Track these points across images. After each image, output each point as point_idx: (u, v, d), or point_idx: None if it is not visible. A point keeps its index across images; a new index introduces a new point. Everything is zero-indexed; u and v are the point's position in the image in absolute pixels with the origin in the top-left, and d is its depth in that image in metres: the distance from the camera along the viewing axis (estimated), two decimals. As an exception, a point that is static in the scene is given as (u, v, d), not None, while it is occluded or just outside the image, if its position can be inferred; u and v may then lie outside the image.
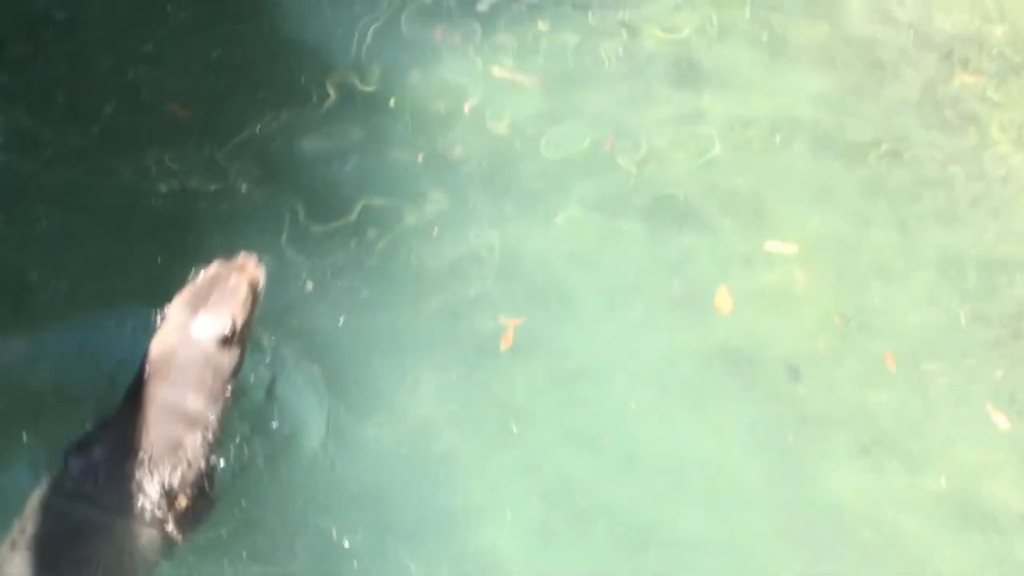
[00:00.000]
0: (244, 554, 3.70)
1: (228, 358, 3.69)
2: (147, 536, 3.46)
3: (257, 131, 4.95)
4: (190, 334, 3.65)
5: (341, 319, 4.35)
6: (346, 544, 3.79)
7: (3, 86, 5.08)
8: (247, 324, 3.78)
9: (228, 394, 3.70)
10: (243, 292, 3.75)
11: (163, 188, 4.70)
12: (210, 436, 3.62)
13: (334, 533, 3.81)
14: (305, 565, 3.75)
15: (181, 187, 4.69)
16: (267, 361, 4.07)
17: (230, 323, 3.68)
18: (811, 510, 4.08)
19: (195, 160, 4.82)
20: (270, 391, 4.00)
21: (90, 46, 5.23)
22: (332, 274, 4.53)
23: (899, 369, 4.54)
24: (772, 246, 4.90)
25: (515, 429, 4.13)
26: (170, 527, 3.50)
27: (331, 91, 5.22)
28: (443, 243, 4.72)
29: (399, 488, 3.98)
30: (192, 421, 3.58)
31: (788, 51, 5.77)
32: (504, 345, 4.38)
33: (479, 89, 5.37)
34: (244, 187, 4.75)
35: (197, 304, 3.70)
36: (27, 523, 3.39)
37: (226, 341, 3.67)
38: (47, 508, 3.42)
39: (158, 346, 3.67)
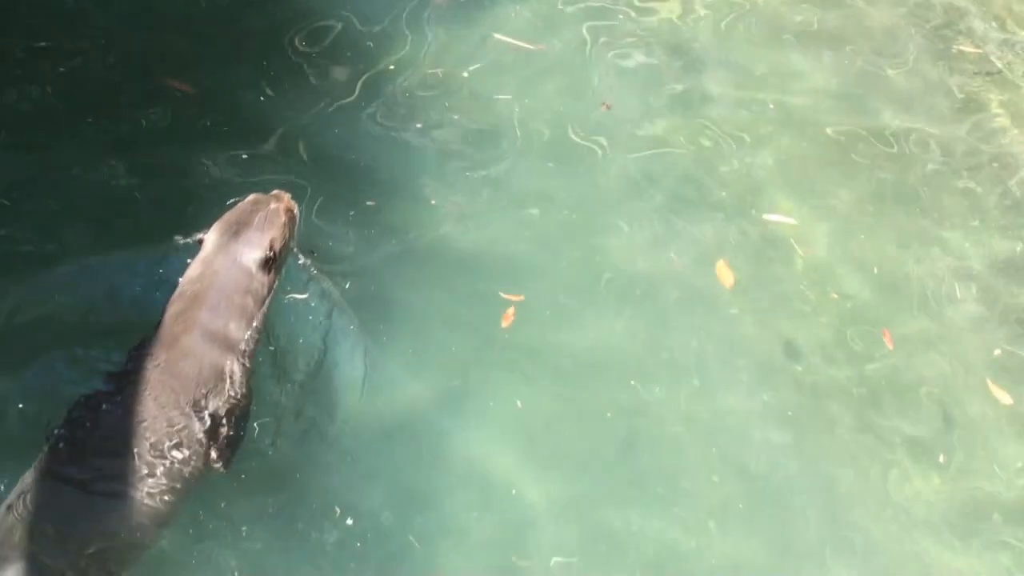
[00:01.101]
0: (257, 529, 3.57)
1: (267, 282, 3.63)
2: (171, 476, 3.31)
3: (257, 103, 4.78)
4: (232, 255, 3.58)
5: (359, 289, 4.21)
6: (353, 517, 3.67)
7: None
8: (284, 249, 3.73)
9: (259, 323, 3.62)
10: (282, 217, 3.72)
11: (168, 163, 4.49)
12: (247, 363, 3.53)
13: (343, 503, 3.70)
14: (318, 534, 3.64)
15: (184, 162, 4.49)
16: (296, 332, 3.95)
17: (271, 245, 3.63)
18: (810, 487, 4.09)
19: (196, 135, 4.61)
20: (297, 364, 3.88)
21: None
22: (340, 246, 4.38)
23: (897, 347, 4.54)
24: (772, 219, 4.89)
25: (520, 404, 4.08)
26: (213, 455, 3.40)
27: (328, 59, 5.07)
28: (444, 216, 4.61)
29: (412, 458, 3.91)
30: (231, 347, 3.50)
31: (788, 30, 5.80)
32: (505, 323, 4.29)
33: (479, 54, 5.27)
34: (245, 156, 4.57)
35: (239, 227, 3.65)
36: (37, 472, 3.24)
37: (267, 264, 3.61)
38: (69, 446, 3.29)
39: (198, 268, 3.59)
